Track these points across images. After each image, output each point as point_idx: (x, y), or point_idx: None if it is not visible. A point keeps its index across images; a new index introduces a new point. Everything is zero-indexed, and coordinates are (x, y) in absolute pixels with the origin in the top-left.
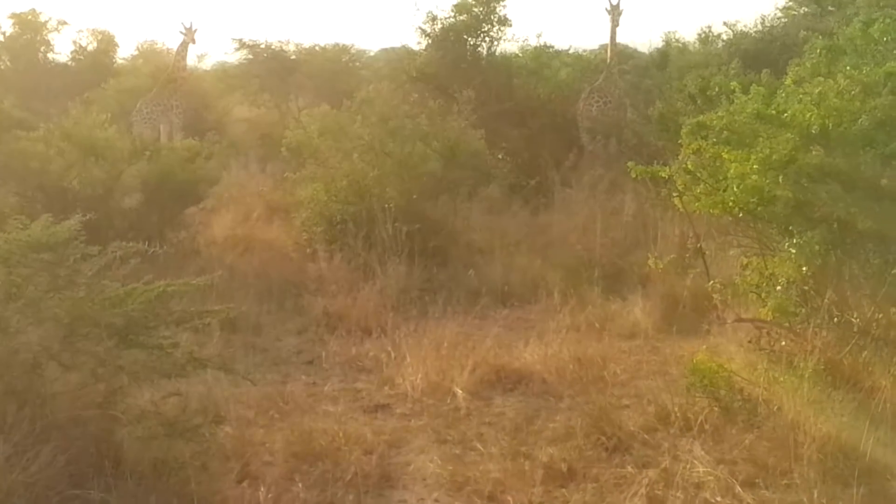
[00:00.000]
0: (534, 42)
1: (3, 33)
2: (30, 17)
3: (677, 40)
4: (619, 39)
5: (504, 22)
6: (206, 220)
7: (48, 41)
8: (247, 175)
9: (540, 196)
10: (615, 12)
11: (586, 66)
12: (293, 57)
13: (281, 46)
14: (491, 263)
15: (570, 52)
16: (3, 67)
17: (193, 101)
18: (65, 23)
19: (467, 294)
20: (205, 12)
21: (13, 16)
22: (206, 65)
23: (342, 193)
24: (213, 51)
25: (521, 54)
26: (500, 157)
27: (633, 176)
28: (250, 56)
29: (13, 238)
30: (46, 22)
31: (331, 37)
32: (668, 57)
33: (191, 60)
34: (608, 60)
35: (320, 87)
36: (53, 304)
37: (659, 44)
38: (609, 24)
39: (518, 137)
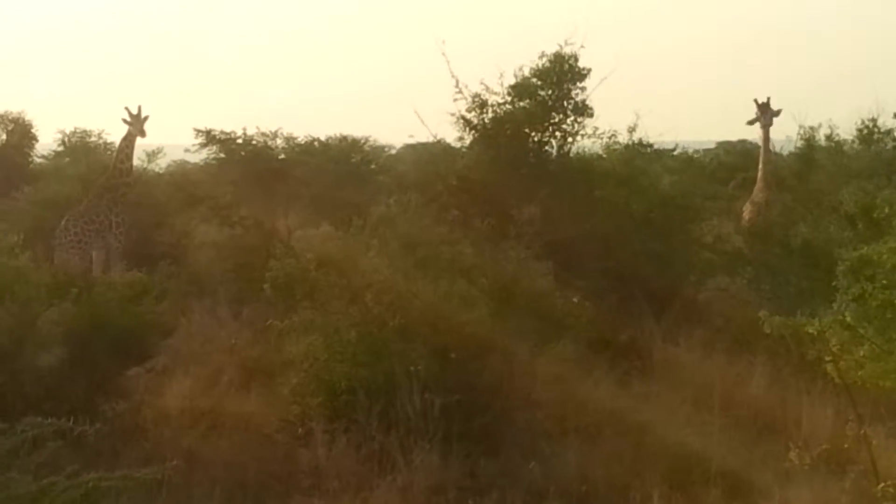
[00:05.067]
0: (624, 138)
1: None
2: None
3: (828, 138)
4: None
5: (583, 111)
6: (156, 385)
7: None
8: (214, 322)
9: (633, 357)
10: (766, 112)
11: (699, 173)
12: (282, 156)
13: (265, 141)
14: (562, 452)
15: (677, 153)
16: None
17: (141, 216)
18: None
19: (528, 496)
20: (158, 93)
21: None
22: (160, 165)
23: (350, 350)
24: (171, 146)
25: (606, 155)
26: (575, 300)
27: (767, 331)
28: (221, 154)
29: None
30: None
31: (336, 127)
32: (814, 162)
33: (138, 160)
34: (759, 170)
35: (320, 198)
36: None
37: (799, 141)
38: (760, 128)
39: (601, 273)
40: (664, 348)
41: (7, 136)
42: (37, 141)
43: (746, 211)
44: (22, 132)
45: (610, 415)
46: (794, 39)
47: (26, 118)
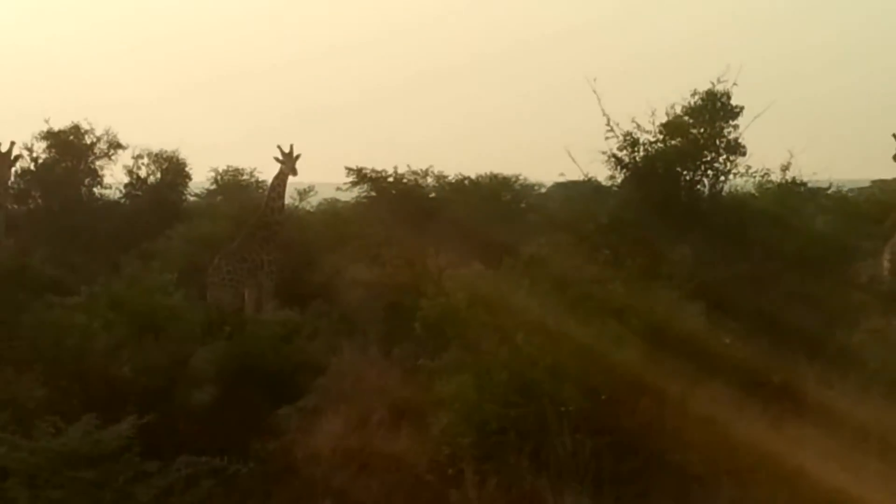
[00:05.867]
0: (778, 177)
1: (35, 159)
2: (71, 136)
3: None
4: None
5: (735, 149)
6: (308, 424)
7: (95, 170)
8: (365, 361)
9: (786, 399)
10: None
11: (853, 212)
12: (433, 195)
13: (415, 179)
14: (715, 496)
15: (831, 191)
16: (32, 206)
17: (292, 255)
18: (119, 145)
19: None
20: (309, 131)
21: (48, 135)
22: (311, 204)
23: (500, 390)
24: (322, 184)
25: (758, 194)
26: (727, 341)
27: None
28: (372, 192)
29: (42, 448)
30: (94, 144)
31: (486, 165)
32: None
33: (290, 198)
34: None
35: (470, 237)
36: None
37: None
38: None
39: (754, 313)
40: (818, 391)
41: (161, 174)
42: (190, 179)
43: (886, 254)
44: (176, 170)
45: (763, 458)
46: None
47: (180, 157)
